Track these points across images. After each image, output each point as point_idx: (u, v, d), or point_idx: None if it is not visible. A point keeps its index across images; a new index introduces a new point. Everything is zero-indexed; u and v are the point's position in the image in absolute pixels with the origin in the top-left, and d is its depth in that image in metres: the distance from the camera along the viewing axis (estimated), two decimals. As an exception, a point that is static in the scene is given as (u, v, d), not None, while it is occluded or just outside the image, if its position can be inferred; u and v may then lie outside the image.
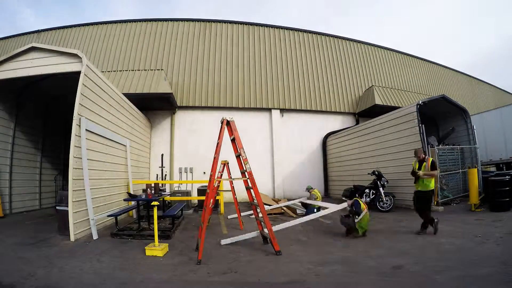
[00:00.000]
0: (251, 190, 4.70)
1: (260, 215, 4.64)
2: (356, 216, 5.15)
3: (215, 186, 4.90)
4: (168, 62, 13.17)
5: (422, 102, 8.23)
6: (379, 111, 11.65)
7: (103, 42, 13.68)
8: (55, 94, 9.13)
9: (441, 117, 10.86)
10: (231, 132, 4.80)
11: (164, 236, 5.37)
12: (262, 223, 4.78)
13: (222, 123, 4.78)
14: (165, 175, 11.42)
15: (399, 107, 11.03)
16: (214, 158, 4.68)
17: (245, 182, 4.85)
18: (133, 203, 7.07)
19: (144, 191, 6.26)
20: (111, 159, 7.34)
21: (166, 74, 11.98)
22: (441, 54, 66.57)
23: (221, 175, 6.60)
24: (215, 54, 13.58)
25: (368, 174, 8.72)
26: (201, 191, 9.42)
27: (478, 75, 23.10)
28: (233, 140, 4.84)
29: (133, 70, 12.09)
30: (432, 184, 5.30)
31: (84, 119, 5.73)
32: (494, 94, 23.75)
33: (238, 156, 4.84)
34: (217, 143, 4.69)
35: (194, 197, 9.27)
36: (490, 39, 68.06)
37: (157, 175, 11.21)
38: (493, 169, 11.56)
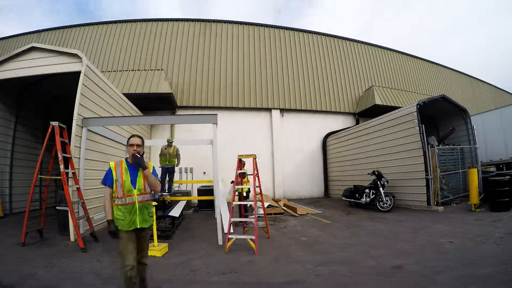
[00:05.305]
0: None
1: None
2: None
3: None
4: (168, 62, 13.16)
5: (422, 102, 8.23)
6: (379, 111, 11.66)
7: (103, 42, 13.68)
8: (55, 94, 9.13)
9: (441, 117, 10.86)
10: None
11: (164, 236, 5.37)
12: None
13: None
14: (165, 175, 11.39)
15: (399, 107, 11.02)
16: None
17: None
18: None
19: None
20: (112, 159, 7.33)
21: (166, 74, 11.98)
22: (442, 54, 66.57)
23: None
24: (215, 54, 13.58)
25: (368, 174, 8.71)
26: (201, 191, 9.45)
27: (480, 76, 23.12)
28: None
29: (133, 70, 12.10)
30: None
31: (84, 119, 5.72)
32: (494, 94, 23.74)
33: None
34: None
35: (194, 197, 9.27)
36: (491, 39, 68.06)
37: (157, 175, 11.19)
38: (493, 169, 11.55)
